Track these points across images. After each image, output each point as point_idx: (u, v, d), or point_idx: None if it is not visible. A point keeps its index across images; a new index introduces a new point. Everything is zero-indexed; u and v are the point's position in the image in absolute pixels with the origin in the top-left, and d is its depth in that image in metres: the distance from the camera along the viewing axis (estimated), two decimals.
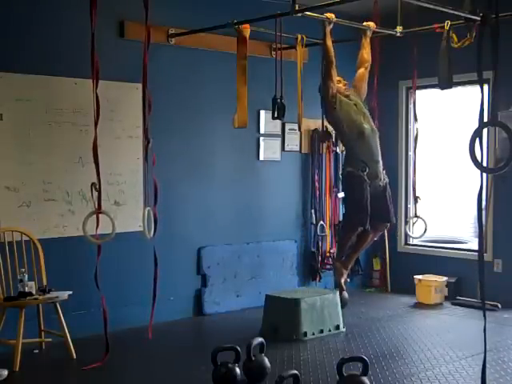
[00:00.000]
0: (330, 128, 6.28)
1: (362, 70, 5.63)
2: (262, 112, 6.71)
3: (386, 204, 5.56)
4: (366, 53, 5.66)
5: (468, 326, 5.97)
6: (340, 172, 6.05)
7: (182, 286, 6.23)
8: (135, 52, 5.11)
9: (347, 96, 5.48)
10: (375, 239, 6.01)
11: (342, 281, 5.64)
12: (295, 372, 4.00)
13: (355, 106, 5.47)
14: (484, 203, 6.66)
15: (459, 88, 6.71)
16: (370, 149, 5.42)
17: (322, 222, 7.23)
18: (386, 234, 7.44)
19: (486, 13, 3.20)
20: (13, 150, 5.20)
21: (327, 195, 7.35)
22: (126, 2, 5.68)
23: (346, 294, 6.57)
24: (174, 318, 6.06)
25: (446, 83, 5.49)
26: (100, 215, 4.62)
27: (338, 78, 5.42)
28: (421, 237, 6.76)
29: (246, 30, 5.51)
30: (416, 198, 6.32)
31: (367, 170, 5.33)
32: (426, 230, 6.19)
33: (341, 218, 7.39)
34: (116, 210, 5.59)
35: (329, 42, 5.28)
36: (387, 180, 5.60)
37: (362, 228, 5.44)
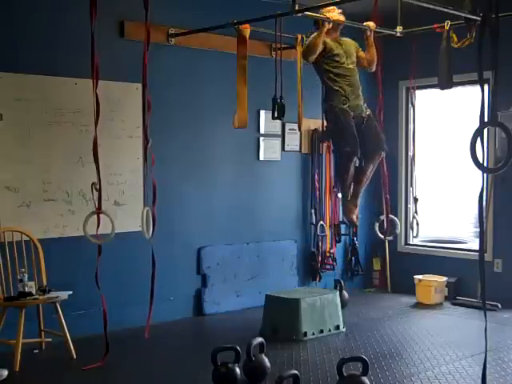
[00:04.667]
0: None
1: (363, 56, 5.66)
2: (262, 112, 6.71)
3: (374, 133, 5.55)
4: (368, 55, 5.66)
5: (468, 326, 5.97)
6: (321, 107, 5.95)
7: (182, 285, 6.23)
8: (135, 52, 5.11)
9: (336, 41, 5.50)
10: (373, 171, 5.73)
11: (354, 217, 5.63)
12: (295, 372, 4.01)
13: (340, 46, 5.48)
14: (484, 203, 6.66)
15: (459, 88, 6.70)
16: (350, 85, 5.44)
17: (321, 222, 7.23)
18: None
19: (486, 13, 3.19)
20: (13, 149, 5.20)
21: (327, 195, 7.35)
22: (126, 2, 5.68)
23: (346, 293, 6.61)
24: (174, 318, 6.06)
25: (445, 83, 5.49)
26: (100, 215, 4.63)
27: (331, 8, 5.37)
28: (416, 235, 6.76)
29: (246, 30, 5.51)
30: (415, 198, 6.36)
31: (348, 103, 5.37)
32: (418, 229, 6.26)
33: (341, 219, 7.41)
34: (116, 210, 5.59)
35: (319, 41, 5.25)
36: (369, 111, 5.59)
37: (355, 156, 5.38)
